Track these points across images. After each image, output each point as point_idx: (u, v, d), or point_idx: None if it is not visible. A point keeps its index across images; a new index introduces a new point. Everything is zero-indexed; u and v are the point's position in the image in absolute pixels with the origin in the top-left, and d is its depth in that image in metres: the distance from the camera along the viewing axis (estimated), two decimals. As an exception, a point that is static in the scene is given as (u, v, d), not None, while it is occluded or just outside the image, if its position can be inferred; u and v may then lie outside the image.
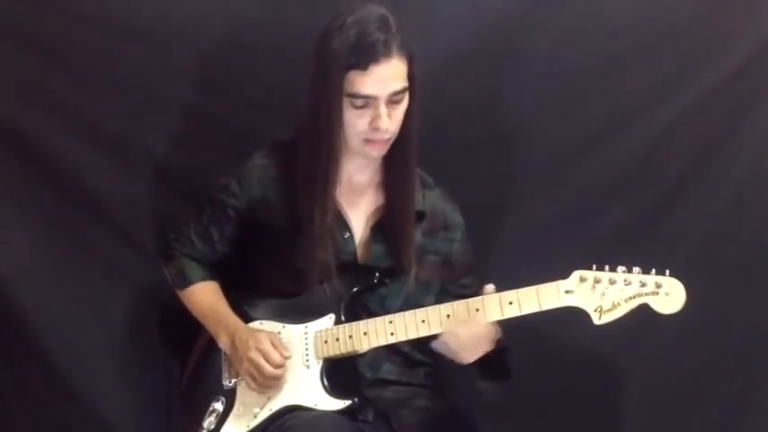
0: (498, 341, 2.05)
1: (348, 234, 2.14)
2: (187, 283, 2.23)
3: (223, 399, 2.14)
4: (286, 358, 2.07)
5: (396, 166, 2.12)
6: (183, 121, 2.43)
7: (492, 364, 2.09)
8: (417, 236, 2.15)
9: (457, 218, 2.23)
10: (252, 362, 2.06)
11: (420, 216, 2.16)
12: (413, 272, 2.11)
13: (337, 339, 2.08)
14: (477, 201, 2.35)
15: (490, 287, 2.02)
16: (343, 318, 2.09)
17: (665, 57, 2.46)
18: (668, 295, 1.91)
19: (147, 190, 2.44)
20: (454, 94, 2.43)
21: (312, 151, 2.05)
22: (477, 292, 2.07)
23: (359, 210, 2.16)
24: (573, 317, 2.28)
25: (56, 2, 2.39)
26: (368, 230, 2.15)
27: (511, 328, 2.20)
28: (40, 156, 2.40)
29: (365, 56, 1.95)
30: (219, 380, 2.17)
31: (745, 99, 2.48)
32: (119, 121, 2.41)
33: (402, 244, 2.11)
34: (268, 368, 2.05)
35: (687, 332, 2.44)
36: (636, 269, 1.93)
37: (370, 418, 2.09)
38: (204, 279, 2.24)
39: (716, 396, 2.55)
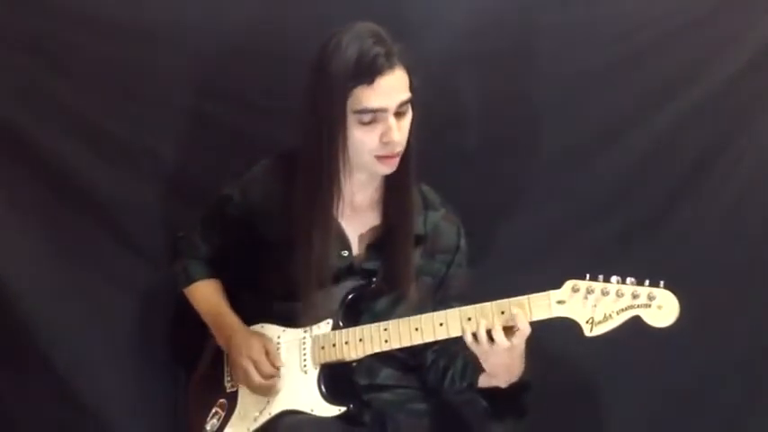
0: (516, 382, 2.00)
1: (347, 252, 2.11)
2: (190, 281, 2.24)
3: (225, 401, 2.16)
4: (278, 368, 2.07)
5: (395, 185, 2.08)
6: (186, 124, 2.43)
7: (506, 399, 2.04)
8: (416, 257, 2.11)
9: (455, 241, 2.17)
10: (242, 368, 2.08)
11: (419, 239, 2.12)
12: (411, 292, 2.08)
13: (334, 345, 2.07)
14: (477, 205, 2.35)
15: None
16: (341, 323, 2.08)
17: (665, 61, 2.45)
18: (660, 308, 1.83)
19: (150, 193, 2.45)
20: (455, 97, 2.42)
21: (312, 175, 2.02)
22: None
23: (357, 228, 2.13)
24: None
25: (57, 6, 2.38)
26: (364, 249, 2.12)
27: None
28: (42, 159, 2.41)
29: (369, 69, 1.92)
30: (223, 382, 2.18)
31: (746, 103, 2.46)
32: (121, 124, 2.42)
33: (399, 265, 2.08)
34: (257, 378, 2.07)
35: (688, 336, 2.35)
36: (629, 280, 1.86)
37: (367, 418, 2.08)
38: (205, 277, 2.24)
39: (717, 401, 2.54)
